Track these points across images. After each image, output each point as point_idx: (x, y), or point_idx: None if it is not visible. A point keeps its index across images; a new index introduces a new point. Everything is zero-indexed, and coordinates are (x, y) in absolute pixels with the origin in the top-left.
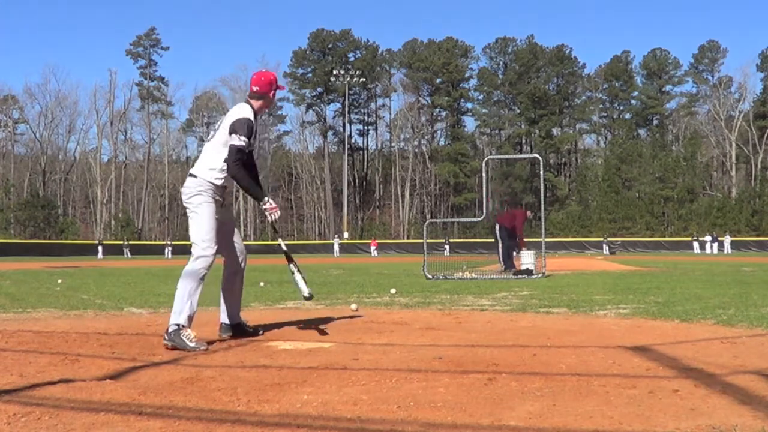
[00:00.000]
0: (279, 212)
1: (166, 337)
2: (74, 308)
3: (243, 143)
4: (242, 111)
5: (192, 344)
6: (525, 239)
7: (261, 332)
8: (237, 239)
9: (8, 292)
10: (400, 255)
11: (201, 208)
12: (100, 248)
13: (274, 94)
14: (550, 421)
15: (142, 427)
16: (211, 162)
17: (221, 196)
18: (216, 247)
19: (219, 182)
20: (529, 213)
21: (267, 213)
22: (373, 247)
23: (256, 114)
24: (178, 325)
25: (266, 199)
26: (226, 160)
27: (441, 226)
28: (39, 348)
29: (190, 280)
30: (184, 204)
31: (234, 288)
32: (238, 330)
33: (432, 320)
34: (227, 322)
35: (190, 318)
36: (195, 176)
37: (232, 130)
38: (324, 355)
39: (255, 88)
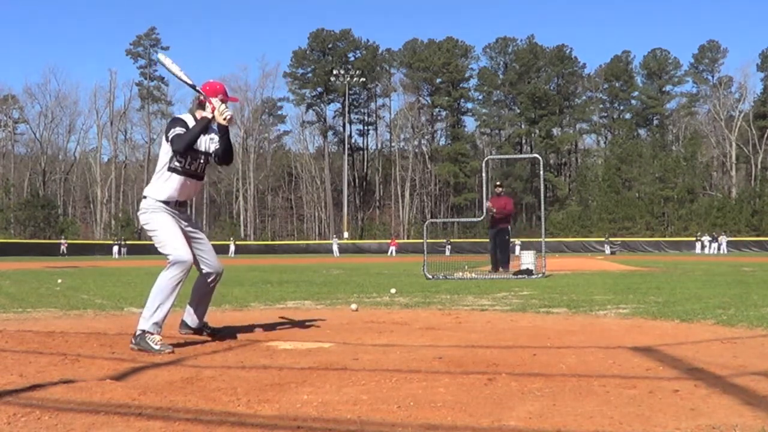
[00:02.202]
0: (229, 111)
1: (133, 341)
2: (74, 308)
3: (179, 131)
4: (175, 116)
5: (157, 347)
6: (524, 239)
7: (222, 332)
8: (209, 256)
9: (8, 292)
10: (401, 255)
11: (155, 223)
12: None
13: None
14: (550, 421)
15: (142, 427)
16: (155, 179)
17: (177, 212)
18: (189, 250)
19: (165, 197)
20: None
21: (222, 118)
22: (392, 248)
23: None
24: (143, 330)
25: (207, 115)
26: (169, 168)
27: (441, 226)
28: (39, 348)
29: (163, 288)
30: (143, 227)
31: (204, 295)
32: (199, 330)
33: (432, 320)
34: (189, 324)
35: (157, 324)
36: (145, 197)
37: (166, 137)
38: (324, 355)
39: (200, 98)
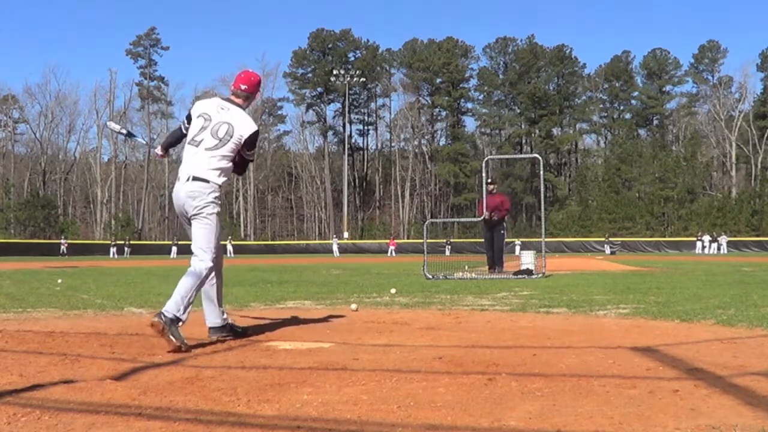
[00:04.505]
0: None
1: (161, 318)
2: (74, 308)
3: (253, 159)
4: (251, 122)
5: (184, 340)
6: (524, 239)
7: (248, 332)
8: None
9: (8, 292)
10: (401, 255)
11: (213, 217)
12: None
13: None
14: (550, 421)
15: (142, 427)
16: (222, 166)
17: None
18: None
19: (223, 183)
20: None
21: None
22: (391, 247)
23: None
24: (179, 318)
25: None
26: (234, 170)
27: (441, 226)
28: (39, 348)
29: (195, 282)
30: (195, 210)
31: (216, 291)
32: (228, 329)
33: (432, 320)
34: (216, 324)
35: (188, 314)
36: (207, 181)
37: (250, 144)
38: (324, 355)
39: (243, 87)
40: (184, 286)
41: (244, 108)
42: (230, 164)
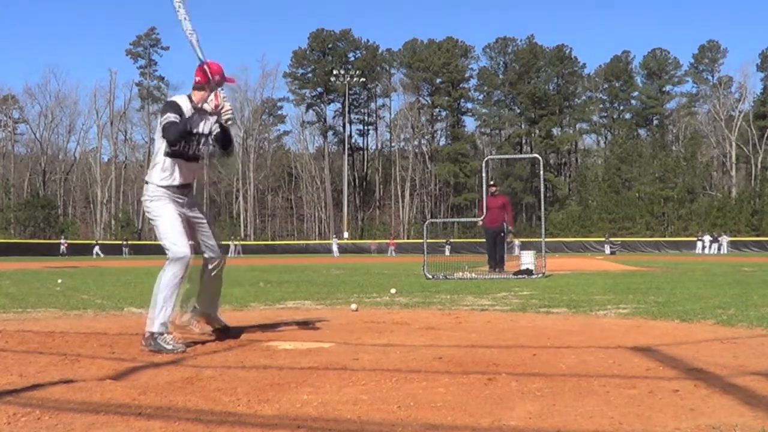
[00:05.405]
0: (231, 113)
1: (143, 343)
2: (74, 308)
3: (171, 118)
4: (169, 99)
5: (170, 346)
6: (524, 239)
7: (236, 331)
8: (212, 241)
9: (8, 292)
10: (401, 255)
11: (158, 211)
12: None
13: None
14: (550, 421)
15: (142, 427)
16: (154, 165)
17: (182, 196)
18: (188, 245)
19: (167, 182)
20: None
21: (225, 119)
22: (391, 248)
23: (196, 106)
24: (152, 333)
25: (206, 108)
26: (166, 153)
27: (441, 226)
28: (39, 348)
29: (165, 287)
30: (146, 214)
31: (212, 286)
32: (213, 322)
33: (432, 320)
34: (199, 309)
35: (164, 324)
36: (147, 182)
37: (160, 123)
38: (324, 355)
39: (197, 79)
40: (154, 297)
41: (202, 100)
42: (164, 157)
